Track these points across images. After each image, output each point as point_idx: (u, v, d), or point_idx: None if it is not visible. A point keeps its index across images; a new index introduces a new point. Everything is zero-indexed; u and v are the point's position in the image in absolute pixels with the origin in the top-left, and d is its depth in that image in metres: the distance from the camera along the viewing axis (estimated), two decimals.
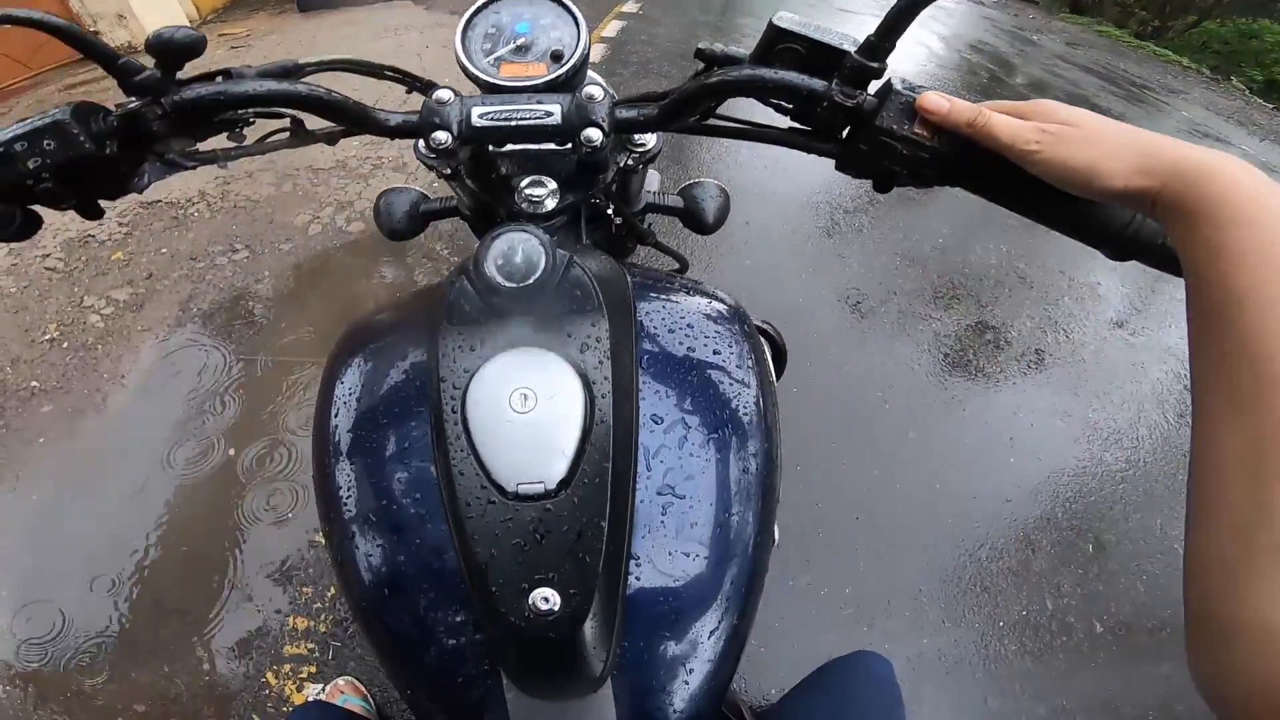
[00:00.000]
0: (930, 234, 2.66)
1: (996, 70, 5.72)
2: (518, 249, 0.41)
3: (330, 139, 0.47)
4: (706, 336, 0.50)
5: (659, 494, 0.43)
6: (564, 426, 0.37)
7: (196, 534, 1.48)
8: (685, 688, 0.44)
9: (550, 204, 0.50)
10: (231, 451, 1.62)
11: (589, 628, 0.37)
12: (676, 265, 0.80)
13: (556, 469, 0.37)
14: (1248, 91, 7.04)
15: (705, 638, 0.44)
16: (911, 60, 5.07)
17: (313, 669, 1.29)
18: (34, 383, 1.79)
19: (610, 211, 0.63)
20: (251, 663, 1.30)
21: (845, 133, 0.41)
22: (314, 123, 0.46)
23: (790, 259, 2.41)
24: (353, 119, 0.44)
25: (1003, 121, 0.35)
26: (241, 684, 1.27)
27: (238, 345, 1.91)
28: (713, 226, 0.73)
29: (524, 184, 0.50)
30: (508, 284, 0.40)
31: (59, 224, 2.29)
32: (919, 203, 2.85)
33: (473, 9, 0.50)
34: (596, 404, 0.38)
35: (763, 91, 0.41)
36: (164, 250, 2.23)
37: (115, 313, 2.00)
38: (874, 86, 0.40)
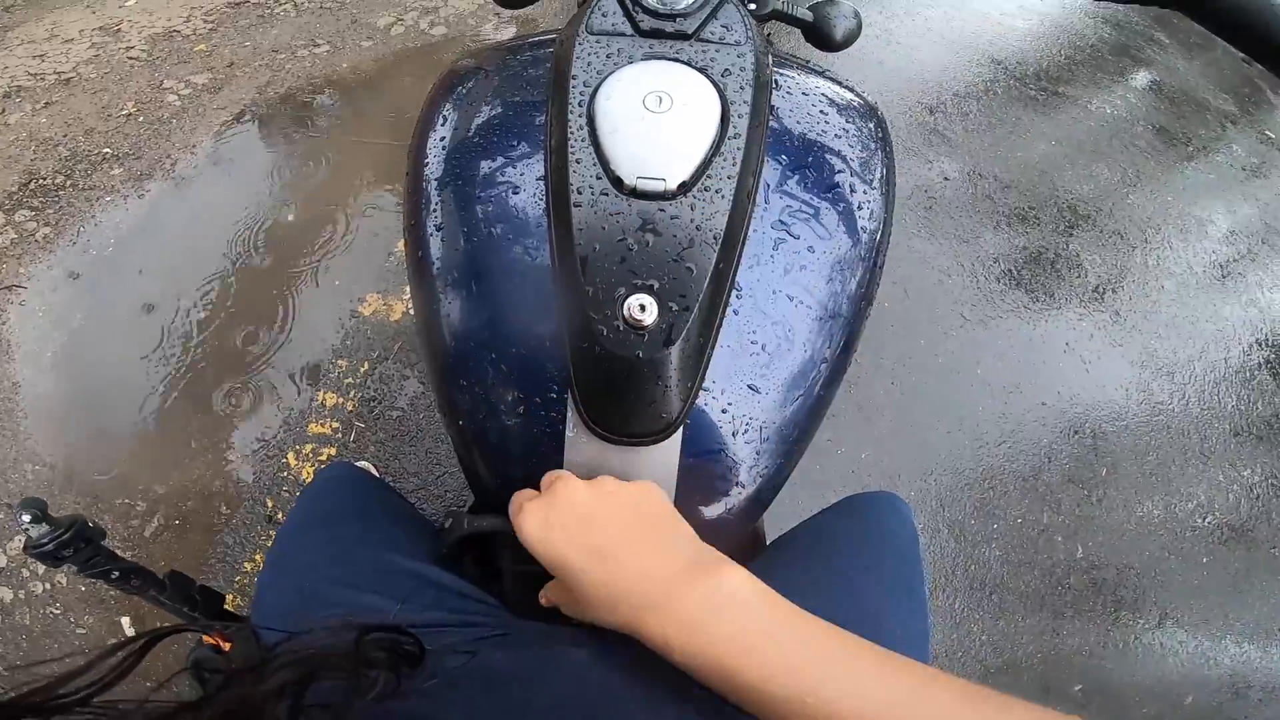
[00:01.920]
0: (1045, 136, 2.45)
1: None
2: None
3: None
4: (840, 130, 0.48)
5: (772, 227, 0.41)
6: (697, 131, 0.36)
7: (247, 293, 1.58)
8: (752, 463, 0.40)
9: None
10: (290, 218, 1.69)
11: (677, 352, 0.35)
12: None
13: (682, 169, 0.35)
14: None
15: (789, 404, 0.41)
16: None
17: (333, 451, 1.37)
18: (106, 149, 1.86)
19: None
20: (276, 441, 1.38)
21: None
22: None
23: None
24: None
25: None
26: (262, 464, 1.36)
27: (309, 126, 1.94)
28: (840, 44, 0.68)
29: None
30: (658, 4, 0.39)
31: (144, 19, 2.29)
32: (1040, 102, 2.59)
33: None
34: (731, 120, 0.37)
35: None
36: (247, 44, 2.24)
37: (193, 94, 2.04)
38: None
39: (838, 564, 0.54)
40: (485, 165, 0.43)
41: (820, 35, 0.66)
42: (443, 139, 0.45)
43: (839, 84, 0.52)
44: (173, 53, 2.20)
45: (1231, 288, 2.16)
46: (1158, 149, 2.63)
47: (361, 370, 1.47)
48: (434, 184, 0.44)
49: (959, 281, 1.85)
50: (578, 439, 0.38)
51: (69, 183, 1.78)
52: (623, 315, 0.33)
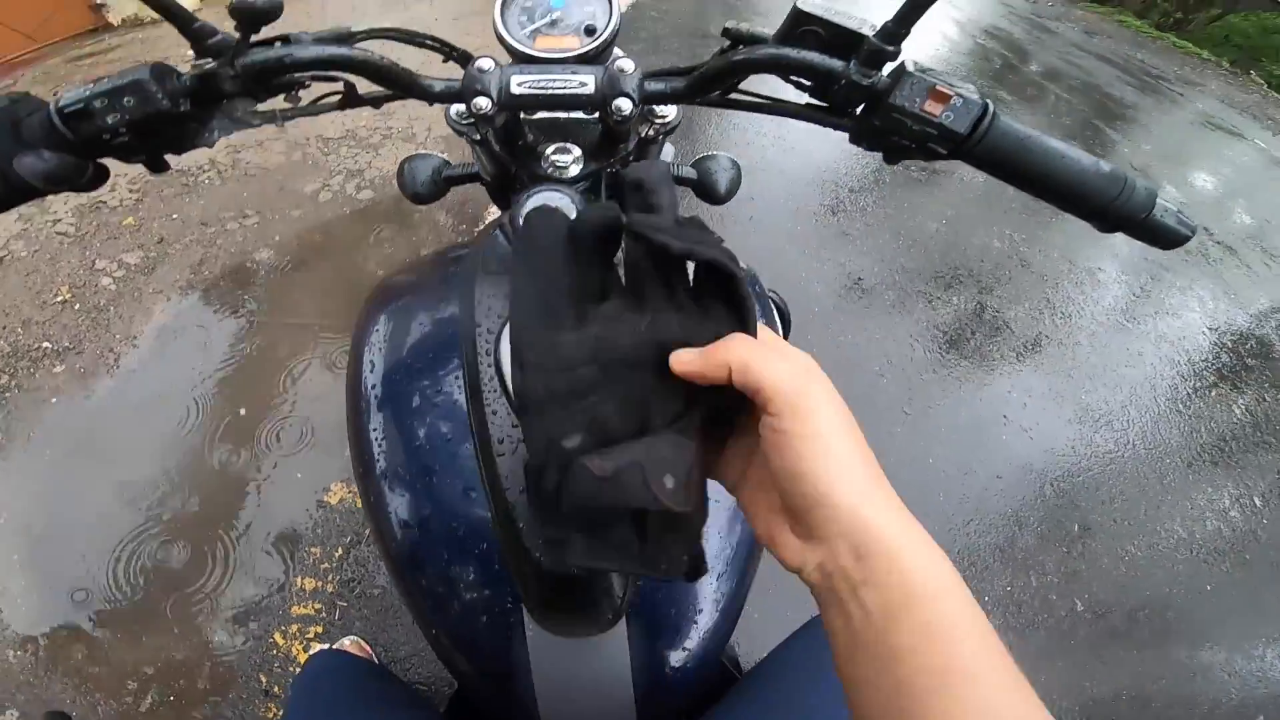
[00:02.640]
0: (935, 215, 2.66)
1: (1010, 57, 5.63)
2: (552, 205, 0.43)
3: (376, 103, 0.49)
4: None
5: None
6: None
7: (209, 489, 1.52)
8: (695, 628, 0.46)
9: (574, 170, 0.52)
10: (242, 411, 1.66)
11: None
12: None
13: None
14: (1266, 86, 6.90)
15: (714, 580, 0.47)
16: (925, 45, 5.01)
17: (319, 629, 1.33)
18: (46, 343, 1.80)
19: None
20: (259, 623, 1.33)
21: (860, 109, 0.44)
22: (364, 87, 0.48)
23: (794, 234, 2.42)
24: (402, 85, 0.46)
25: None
26: (251, 644, 1.31)
27: (249, 307, 1.93)
28: (724, 197, 0.75)
29: (550, 150, 0.52)
30: None
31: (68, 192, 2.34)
32: (923, 183, 2.85)
33: None
34: None
35: (785, 69, 0.43)
36: (175, 216, 2.25)
37: (126, 275, 2.01)
38: (889, 69, 0.42)
39: (812, 700, 0.53)
40: (419, 389, 0.46)
41: (707, 190, 0.73)
42: (376, 356, 0.48)
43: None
44: (101, 227, 2.17)
45: (1138, 328, 2.31)
46: (1031, 209, 2.89)
47: (336, 555, 1.43)
48: (372, 404, 0.47)
49: (893, 378, 1.92)
50: (538, 636, 0.43)
51: (14, 383, 1.71)
52: None
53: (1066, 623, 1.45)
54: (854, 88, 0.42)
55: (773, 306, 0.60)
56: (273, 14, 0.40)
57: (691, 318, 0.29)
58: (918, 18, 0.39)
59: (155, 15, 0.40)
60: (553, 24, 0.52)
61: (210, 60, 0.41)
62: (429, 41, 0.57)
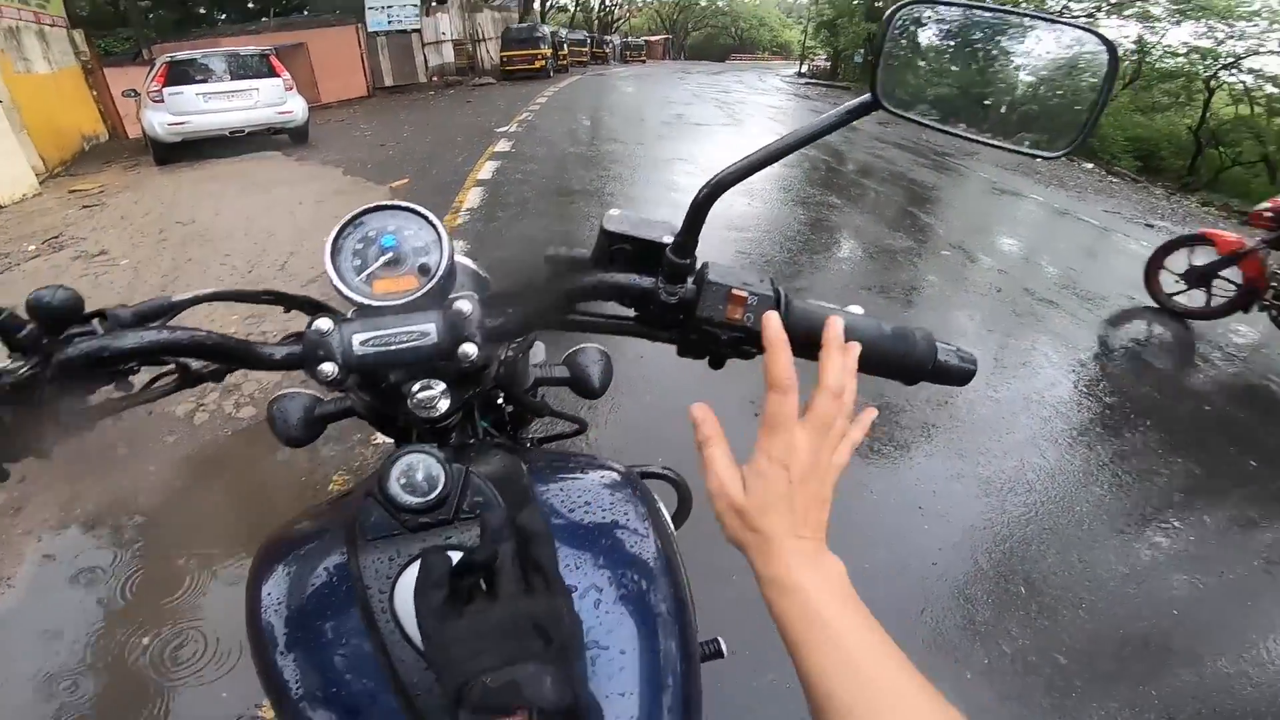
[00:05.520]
0: None
1: (831, 161, 6.58)
2: (417, 468, 0.44)
3: (217, 376, 0.48)
4: (602, 505, 0.55)
5: (584, 649, 0.46)
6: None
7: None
8: None
9: (443, 405, 0.51)
10: (145, 640, 1.45)
11: None
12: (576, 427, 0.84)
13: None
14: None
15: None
16: (766, 174, 5.72)
17: None
18: None
19: (500, 401, 0.67)
20: None
21: (679, 322, 0.46)
22: (199, 362, 0.47)
23: (682, 387, 2.42)
24: (237, 357, 0.45)
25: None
26: None
27: (125, 545, 1.71)
28: (599, 391, 0.76)
29: (415, 389, 0.51)
30: (413, 499, 0.43)
31: None
32: None
33: (336, 230, 0.52)
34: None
35: (606, 295, 0.45)
36: None
37: None
38: (693, 278, 0.45)
39: None
40: (325, 644, 0.46)
41: (581, 385, 0.73)
42: (272, 616, 0.48)
43: (593, 466, 0.60)
44: None
45: (1005, 396, 2.53)
46: (879, 299, 3.20)
47: None
48: (276, 665, 0.46)
49: None
50: None
51: None
52: None
53: (1060, 680, 1.43)
54: (665, 307, 0.44)
55: (653, 495, 0.61)
56: (72, 313, 0.40)
57: (541, 602, 0.38)
58: (700, 225, 0.43)
59: None
60: (389, 264, 0.51)
61: (23, 362, 0.39)
62: (265, 297, 0.56)
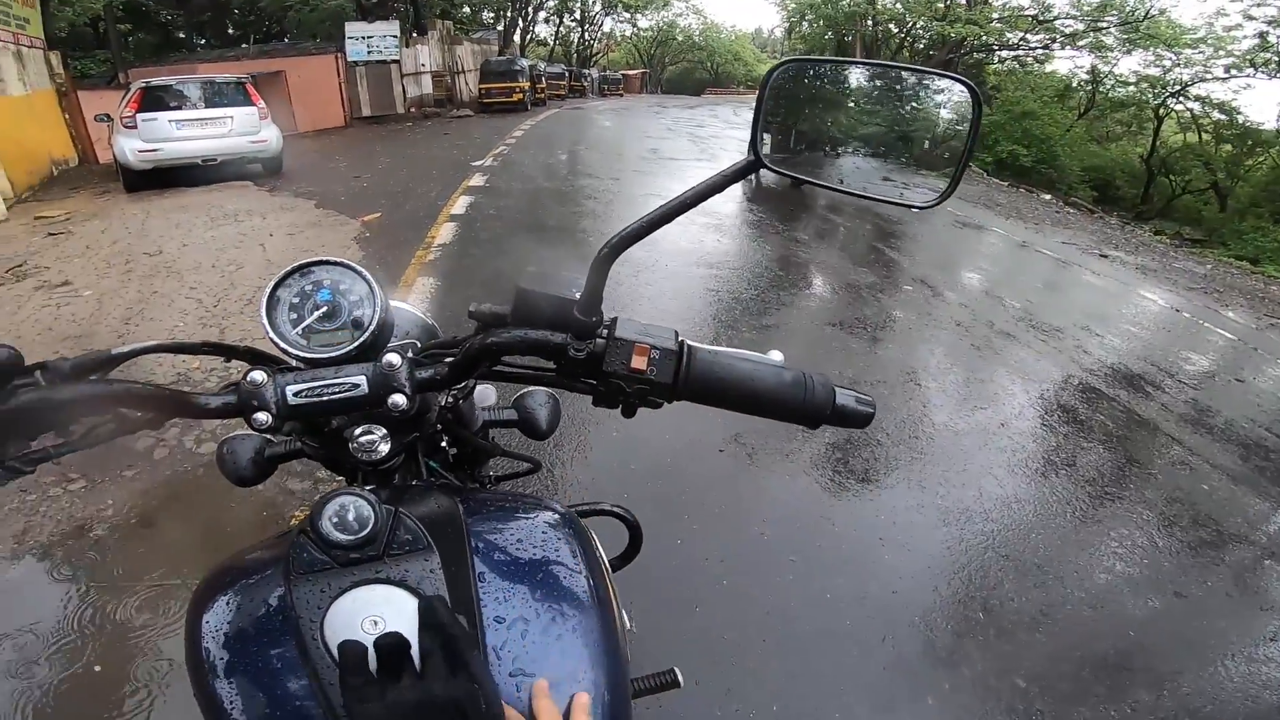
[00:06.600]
0: None
1: (800, 197, 6.73)
2: (349, 509, 0.45)
3: (154, 424, 0.49)
4: (534, 542, 0.56)
5: (510, 676, 0.47)
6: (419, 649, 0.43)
7: None
8: None
9: (384, 448, 0.53)
10: (98, 669, 1.40)
11: None
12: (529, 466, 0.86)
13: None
14: (986, 174, 8.84)
15: None
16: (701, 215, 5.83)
17: None
18: None
19: (444, 444, 0.68)
20: None
21: (591, 374, 0.48)
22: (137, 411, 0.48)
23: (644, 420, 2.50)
24: (172, 407, 0.46)
25: None
26: None
27: (85, 577, 1.67)
28: (546, 432, 0.78)
29: (356, 433, 0.53)
30: (344, 537, 0.45)
31: None
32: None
33: (272, 284, 0.53)
34: (441, 618, 0.43)
35: (523, 350, 0.48)
36: None
37: None
38: (604, 331, 0.47)
39: None
40: (265, 673, 0.46)
41: (529, 427, 0.75)
42: (210, 644, 0.48)
43: (532, 507, 0.60)
44: None
45: (965, 427, 2.61)
46: (844, 335, 3.30)
47: None
48: (214, 691, 0.46)
49: (774, 533, 1.95)
50: None
51: None
52: None
53: (1019, 703, 1.46)
54: (576, 361, 0.47)
55: (590, 534, 0.62)
56: (14, 367, 0.41)
57: (462, 685, 0.39)
58: (603, 284, 0.46)
59: None
60: (324, 317, 0.53)
61: None
62: (204, 348, 0.57)
